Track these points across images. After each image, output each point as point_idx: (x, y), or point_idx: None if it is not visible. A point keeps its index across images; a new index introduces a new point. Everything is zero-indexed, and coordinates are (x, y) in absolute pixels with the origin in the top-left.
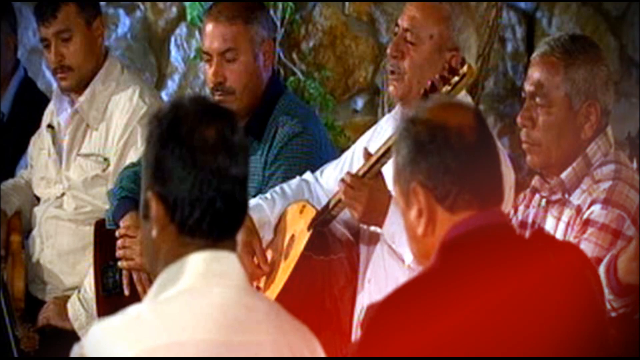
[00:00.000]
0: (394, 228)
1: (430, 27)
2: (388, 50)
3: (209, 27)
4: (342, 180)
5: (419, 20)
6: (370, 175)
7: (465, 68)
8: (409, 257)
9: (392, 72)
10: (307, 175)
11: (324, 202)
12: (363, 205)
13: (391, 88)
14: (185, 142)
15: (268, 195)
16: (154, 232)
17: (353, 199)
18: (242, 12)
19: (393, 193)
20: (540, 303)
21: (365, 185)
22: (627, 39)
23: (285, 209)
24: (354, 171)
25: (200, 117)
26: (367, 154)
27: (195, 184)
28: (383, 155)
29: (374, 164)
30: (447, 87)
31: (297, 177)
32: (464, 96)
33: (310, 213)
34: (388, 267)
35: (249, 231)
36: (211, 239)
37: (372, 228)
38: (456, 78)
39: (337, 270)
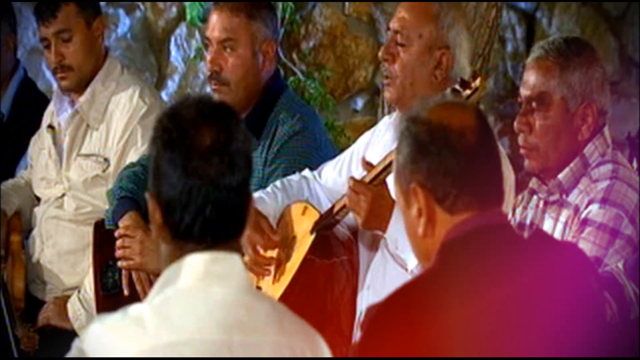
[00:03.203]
0: (398, 234)
1: (419, 26)
2: (379, 54)
3: (214, 16)
4: (348, 185)
5: (408, 20)
6: (376, 183)
7: (477, 82)
8: (412, 263)
9: (386, 77)
10: (306, 172)
11: (322, 200)
12: (367, 211)
13: (386, 94)
14: (177, 147)
15: (269, 189)
16: (153, 233)
17: (357, 204)
18: (247, 7)
19: (393, 192)
20: (540, 303)
21: (370, 191)
22: (627, 39)
23: (286, 208)
24: (352, 170)
25: (197, 121)
26: (368, 164)
27: (184, 189)
28: (390, 164)
29: (381, 172)
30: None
31: (297, 174)
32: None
33: (313, 215)
34: (388, 274)
35: (254, 214)
36: (204, 244)
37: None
38: (468, 91)
39: (339, 272)
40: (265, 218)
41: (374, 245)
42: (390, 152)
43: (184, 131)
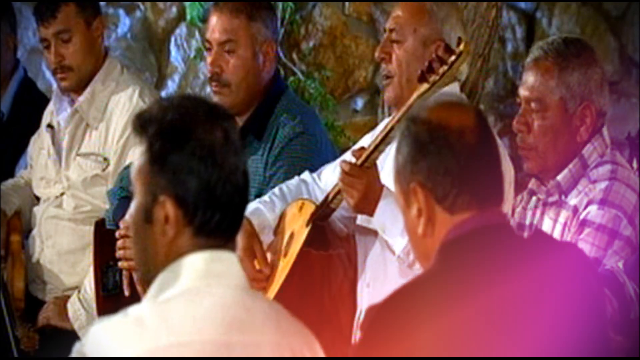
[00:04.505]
0: (385, 217)
1: (413, 21)
2: (376, 54)
3: (213, 17)
4: (341, 168)
5: (402, 17)
6: (368, 164)
7: (461, 46)
8: (398, 247)
9: (385, 77)
10: (306, 175)
11: None
12: (360, 193)
13: (385, 94)
14: (205, 142)
15: (267, 198)
16: (166, 237)
17: (351, 186)
18: (247, 8)
19: (393, 190)
20: (540, 303)
21: (363, 174)
22: (627, 39)
23: (284, 210)
24: None
25: (207, 117)
26: (360, 149)
27: (219, 183)
28: (380, 142)
29: (372, 152)
30: (444, 67)
31: (296, 177)
32: (459, 96)
33: (309, 209)
34: (388, 270)
35: (249, 235)
36: (224, 238)
37: (370, 226)
38: (453, 57)
39: (336, 265)
40: (260, 243)
41: (370, 242)
42: (381, 132)
43: (205, 127)
